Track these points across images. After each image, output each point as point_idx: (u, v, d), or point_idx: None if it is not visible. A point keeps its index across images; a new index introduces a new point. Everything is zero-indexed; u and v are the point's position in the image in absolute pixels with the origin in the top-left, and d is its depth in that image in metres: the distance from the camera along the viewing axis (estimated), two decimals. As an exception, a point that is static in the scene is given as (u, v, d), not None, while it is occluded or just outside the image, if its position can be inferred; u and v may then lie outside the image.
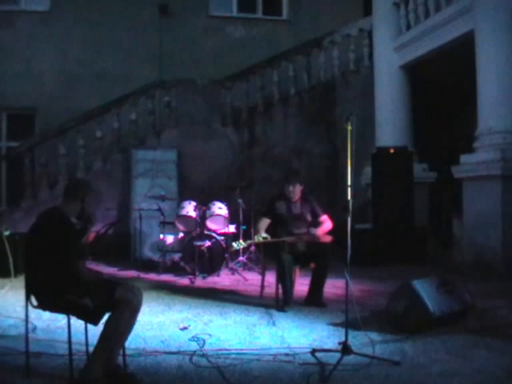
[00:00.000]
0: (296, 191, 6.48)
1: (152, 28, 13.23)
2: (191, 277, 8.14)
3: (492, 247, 7.94)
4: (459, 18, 9.06)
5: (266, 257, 6.90)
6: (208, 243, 8.40)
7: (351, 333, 4.46)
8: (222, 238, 8.68)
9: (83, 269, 3.94)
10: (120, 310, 3.72)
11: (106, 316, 3.78)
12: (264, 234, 6.21)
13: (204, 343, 4.69)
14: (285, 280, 6.10)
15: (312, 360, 4.28)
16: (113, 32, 13.04)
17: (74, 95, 12.50)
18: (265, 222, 6.43)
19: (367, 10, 12.68)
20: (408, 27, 10.82)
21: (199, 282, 8.02)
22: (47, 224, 3.93)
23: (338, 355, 4.17)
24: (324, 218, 6.50)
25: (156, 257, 9.26)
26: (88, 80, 12.71)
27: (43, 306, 3.91)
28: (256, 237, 6.22)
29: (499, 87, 8.13)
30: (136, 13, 13.17)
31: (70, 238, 3.88)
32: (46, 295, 3.86)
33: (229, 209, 8.97)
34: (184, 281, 8.10)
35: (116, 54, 13.01)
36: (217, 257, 8.48)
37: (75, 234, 4.02)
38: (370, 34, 12.06)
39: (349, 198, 4.45)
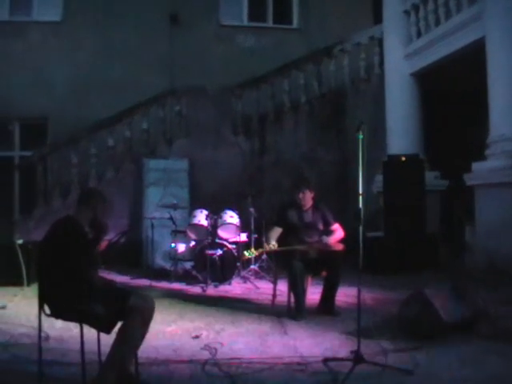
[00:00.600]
0: (306, 198, 6.46)
1: (162, 37, 13.27)
2: (203, 285, 8.15)
3: (504, 254, 7.87)
4: (470, 24, 9.04)
5: (277, 265, 6.89)
6: (220, 252, 8.41)
7: (363, 341, 4.43)
8: (234, 246, 8.68)
9: (96, 277, 3.96)
10: (132, 318, 3.74)
11: (119, 325, 3.79)
12: (273, 242, 6.20)
13: (216, 352, 4.69)
14: (297, 288, 6.08)
15: (324, 369, 4.27)
16: (123, 41, 13.11)
17: (86, 104, 12.57)
18: (276, 231, 6.41)
19: (377, 18, 12.65)
20: (418, 35, 10.81)
21: (211, 290, 8.02)
22: (61, 233, 3.96)
23: (350, 364, 4.16)
24: (336, 226, 6.49)
25: (168, 265, 9.26)
26: (99, 89, 12.75)
27: (56, 314, 3.93)
28: (266, 245, 6.21)
29: (511, 94, 8.11)
30: (146, 22, 13.23)
31: (83, 247, 3.91)
32: (58, 304, 3.88)
33: (240, 217, 8.98)
34: (196, 289, 8.10)
35: (127, 62, 13.05)
36: (228, 265, 8.47)
37: (88, 243, 4.04)
38: (380, 42, 12.04)
39: (360, 206, 4.44)
